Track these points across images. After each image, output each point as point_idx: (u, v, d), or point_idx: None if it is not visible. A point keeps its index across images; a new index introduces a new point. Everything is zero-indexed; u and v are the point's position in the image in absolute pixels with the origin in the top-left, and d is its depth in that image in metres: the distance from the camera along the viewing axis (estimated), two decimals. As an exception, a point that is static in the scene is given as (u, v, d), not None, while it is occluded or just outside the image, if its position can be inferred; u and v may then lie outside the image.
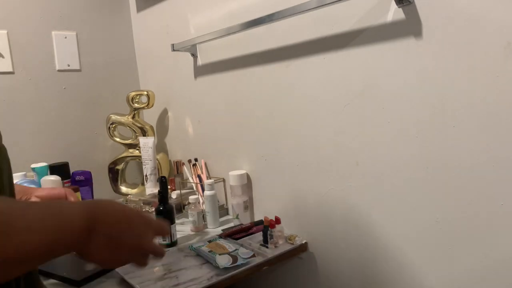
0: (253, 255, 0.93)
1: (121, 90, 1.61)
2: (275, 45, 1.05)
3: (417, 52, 0.76)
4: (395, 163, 0.83)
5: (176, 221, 1.09)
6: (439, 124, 0.75)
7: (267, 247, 0.99)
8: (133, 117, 1.49)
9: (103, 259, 0.44)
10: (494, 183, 0.69)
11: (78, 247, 0.41)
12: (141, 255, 0.48)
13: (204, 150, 1.38)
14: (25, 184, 1.15)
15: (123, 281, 0.87)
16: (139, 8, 1.59)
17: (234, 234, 1.07)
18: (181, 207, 1.31)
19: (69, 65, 1.50)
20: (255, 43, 1.11)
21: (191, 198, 1.18)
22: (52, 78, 1.47)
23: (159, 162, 1.48)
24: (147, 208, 1.36)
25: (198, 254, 0.98)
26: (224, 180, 1.31)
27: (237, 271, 0.89)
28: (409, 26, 0.77)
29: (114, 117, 1.50)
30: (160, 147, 1.61)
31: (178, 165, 1.43)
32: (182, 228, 1.19)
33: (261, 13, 1.01)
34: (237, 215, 1.18)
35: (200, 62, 1.33)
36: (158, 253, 0.50)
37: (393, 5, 0.79)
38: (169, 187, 1.38)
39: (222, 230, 1.13)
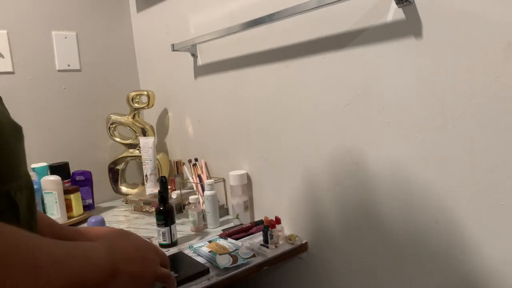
0: (253, 255, 0.93)
1: (121, 90, 1.61)
2: (275, 45, 1.05)
3: (417, 52, 0.76)
4: (395, 163, 0.83)
5: (176, 221, 1.09)
6: (439, 124, 0.75)
7: (267, 247, 0.99)
8: (133, 117, 1.49)
9: None
10: (494, 183, 0.69)
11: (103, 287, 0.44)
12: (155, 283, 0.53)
13: (204, 150, 1.38)
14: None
15: (123, 281, 0.87)
16: (139, 8, 1.60)
17: (234, 234, 1.07)
18: (181, 207, 1.31)
19: (69, 65, 1.50)
20: (255, 43, 1.11)
21: (191, 198, 1.18)
22: (52, 78, 1.47)
23: (159, 162, 1.48)
24: (147, 208, 1.37)
25: (198, 254, 0.98)
26: (224, 180, 1.31)
27: (237, 271, 0.89)
28: (409, 26, 0.77)
29: (114, 117, 1.50)
30: (160, 147, 1.61)
31: (178, 165, 1.43)
32: (182, 228, 1.19)
33: (261, 13, 1.01)
34: (237, 215, 1.18)
35: (200, 62, 1.33)
36: (171, 281, 0.55)
37: (393, 5, 0.79)
38: (169, 187, 1.38)
39: (222, 230, 1.13)
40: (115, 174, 1.54)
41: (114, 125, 1.51)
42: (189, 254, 0.98)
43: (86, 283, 0.41)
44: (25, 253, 0.35)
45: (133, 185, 1.57)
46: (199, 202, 1.21)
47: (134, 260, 0.49)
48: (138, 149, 1.51)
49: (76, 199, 1.31)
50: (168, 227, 1.04)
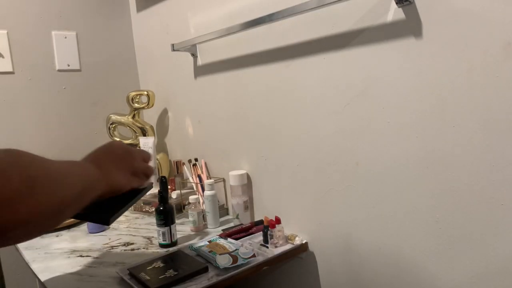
0: (253, 255, 0.93)
1: (121, 90, 1.61)
2: (275, 45, 1.05)
3: (417, 52, 0.76)
4: (395, 163, 0.83)
5: (176, 221, 1.09)
6: (439, 124, 0.75)
7: (267, 247, 0.99)
8: (133, 117, 1.49)
9: (121, 179, 0.63)
10: (494, 183, 0.69)
11: (104, 184, 0.59)
12: (139, 173, 0.69)
13: (204, 150, 1.38)
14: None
15: (123, 281, 0.87)
16: (139, 8, 1.60)
17: (234, 234, 1.07)
18: (181, 207, 1.31)
19: (69, 65, 1.50)
20: (255, 43, 1.11)
21: (191, 198, 1.18)
22: (52, 78, 1.47)
23: (159, 162, 1.48)
24: (147, 208, 1.37)
25: (198, 254, 0.98)
26: (224, 180, 1.31)
27: (237, 271, 0.89)
28: (409, 26, 0.77)
29: (114, 117, 1.50)
30: (160, 147, 1.61)
31: (178, 165, 1.43)
32: (182, 228, 1.19)
33: (261, 13, 1.01)
34: (237, 215, 1.18)
35: (200, 62, 1.33)
36: (149, 170, 0.71)
37: (393, 5, 0.79)
38: (169, 187, 1.38)
39: (222, 230, 1.13)
40: (115, 174, 1.54)
41: (114, 125, 1.51)
42: (189, 254, 0.98)
43: (89, 186, 0.55)
44: (22, 167, 0.43)
45: (133, 185, 1.57)
46: (199, 202, 1.21)
47: (114, 162, 0.64)
48: (138, 149, 1.51)
49: (76, 199, 1.31)
50: (168, 227, 1.04)
